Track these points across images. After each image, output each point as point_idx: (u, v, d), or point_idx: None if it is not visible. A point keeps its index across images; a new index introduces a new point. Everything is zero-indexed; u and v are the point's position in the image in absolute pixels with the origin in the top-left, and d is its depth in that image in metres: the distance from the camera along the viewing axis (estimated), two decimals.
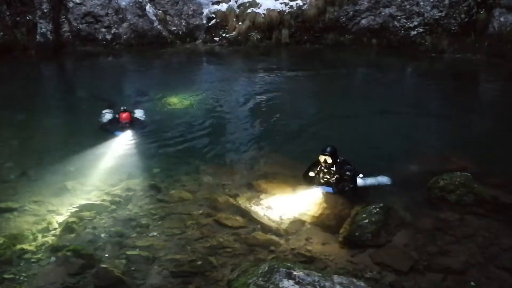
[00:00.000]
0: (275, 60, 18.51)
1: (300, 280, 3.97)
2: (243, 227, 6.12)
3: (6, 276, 4.92)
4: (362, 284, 4.28)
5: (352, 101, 12.59)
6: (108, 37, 19.71)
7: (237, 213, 6.45)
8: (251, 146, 9.22)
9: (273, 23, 20.21)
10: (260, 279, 4.10)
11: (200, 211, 6.49)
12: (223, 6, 20.82)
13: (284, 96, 13.11)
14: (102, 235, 5.82)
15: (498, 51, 16.88)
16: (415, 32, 19.16)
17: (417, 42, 19.03)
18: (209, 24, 20.78)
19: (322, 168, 7.02)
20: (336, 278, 4.17)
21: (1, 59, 16.80)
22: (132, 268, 5.13)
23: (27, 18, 18.33)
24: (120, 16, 19.62)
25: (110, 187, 7.18)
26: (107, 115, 9.68)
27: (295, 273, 4.04)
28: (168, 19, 20.45)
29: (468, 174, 6.91)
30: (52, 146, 9.00)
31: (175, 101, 12.21)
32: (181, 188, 7.22)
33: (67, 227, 5.90)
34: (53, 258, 5.27)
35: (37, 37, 18.30)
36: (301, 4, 20.25)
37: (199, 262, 5.25)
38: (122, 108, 9.57)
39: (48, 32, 18.42)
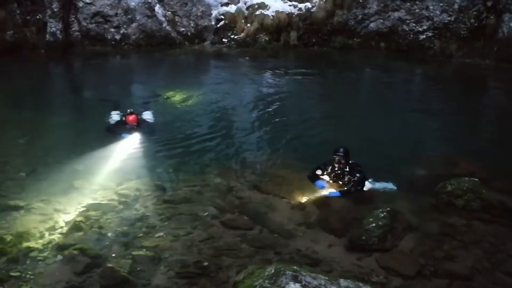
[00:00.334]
0: (283, 62, 18.48)
1: (307, 283, 3.95)
2: (249, 229, 6.12)
3: (12, 273, 4.93)
4: None
5: (360, 104, 12.56)
6: (117, 37, 19.78)
7: (243, 215, 6.45)
8: (258, 148, 9.22)
9: (282, 25, 20.20)
10: (266, 281, 4.08)
11: (207, 212, 6.49)
12: (232, 8, 20.83)
13: (291, 98, 13.09)
14: (109, 234, 5.83)
15: (508, 56, 16.77)
16: (424, 36, 19.09)
17: (425, 46, 18.96)
18: (218, 26, 20.80)
19: (335, 169, 7.05)
20: (342, 282, 4.13)
21: (11, 58, 16.90)
22: (138, 268, 5.13)
23: (37, 17, 18.44)
24: (129, 16, 19.68)
25: (117, 187, 7.20)
26: (115, 117, 9.61)
27: (301, 276, 4.01)
28: (177, 20, 20.49)
29: (476, 179, 6.88)
30: (60, 145, 9.04)
31: (183, 102, 12.23)
32: (187, 189, 7.22)
33: (74, 226, 5.91)
34: (59, 257, 5.28)
35: (47, 36, 18.38)
36: (310, 6, 20.23)
37: (205, 263, 5.25)
38: (128, 110, 9.46)
39: (58, 32, 18.51)
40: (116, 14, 19.55)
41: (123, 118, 9.43)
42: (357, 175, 6.95)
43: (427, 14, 18.99)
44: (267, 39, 20.33)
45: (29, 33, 18.28)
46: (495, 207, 6.49)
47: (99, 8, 19.32)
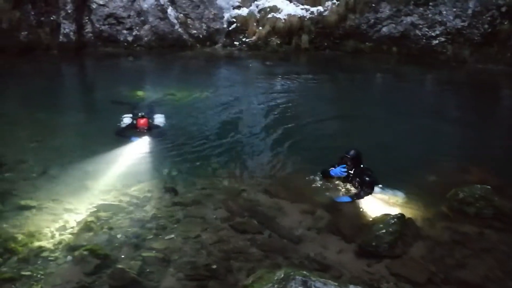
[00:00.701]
0: (294, 66, 18.50)
1: None
2: (259, 232, 6.10)
3: (23, 273, 4.97)
4: None
5: (371, 109, 12.50)
6: (129, 38, 19.94)
7: (253, 218, 6.43)
8: (269, 151, 9.20)
9: (293, 29, 20.23)
10: (276, 286, 4.07)
11: (216, 215, 6.49)
12: (244, 11, 20.91)
13: (302, 101, 13.08)
14: (119, 235, 5.85)
15: None
16: (437, 41, 19.01)
17: (438, 51, 18.87)
18: (230, 29, 20.88)
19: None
20: None
21: (25, 58, 17.11)
22: (148, 270, 5.14)
23: (51, 18, 18.66)
24: (142, 18, 19.83)
25: (127, 188, 7.22)
26: (126, 120, 9.54)
27: (311, 281, 4.00)
28: (189, 22, 20.60)
29: (488, 187, 6.80)
30: (72, 146, 9.10)
31: (193, 104, 12.27)
32: (197, 191, 7.23)
33: (85, 227, 5.94)
34: (69, 257, 5.30)
35: (60, 37, 18.62)
36: (322, 10, 20.24)
37: (214, 266, 5.25)
38: (140, 114, 9.43)
39: (71, 33, 18.72)
40: (129, 16, 19.72)
41: (134, 122, 9.36)
42: (366, 178, 6.93)
43: (440, 19, 18.91)
44: (279, 42, 20.37)
45: (43, 34, 18.50)
46: (507, 215, 6.41)
47: (112, 9, 19.50)
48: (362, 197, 6.87)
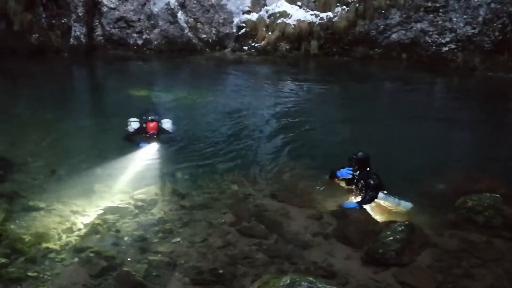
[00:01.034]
0: (303, 71, 18.50)
1: None
2: (265, 237, 6.08)
3: (30, 274, 4.99)
4: None
5: (380, 115, 12.47)
6: (139, 42, 20.06)
7: (260, 223, 6.41)
8: (276, 156, 9.19)
9: (303, 34, 20.25)
10: None
11: (223, 220, 6.48)
12: (254, 16, 20.97)
13: (310, 106, 13.08)
14: (125, 238, 5.86)
15: None
16: (447, 48, 18.94)
17: (448, 59, 18.79)
18: (239, 33, 20.94)
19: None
20: None
21: (36, 60, 17.25)
22: (153, 273, 5.14)
23: (62, 21, 18.84)
24: (152, 22, 19.95)
25: (134, 191, 7.23)
26: (133, 124, 9.24)
27: None
28: (198, 26, 20.70)
29: (498, 195, 6.74)
30: (81, 148, 9.15)
31: (201, 108, 12.30)
32: (204, 195, 7.22)
33: (92, 229, 5.96)
34: (76, 259, 5.32)
35: (71, 40, 18.77)
36: (331, 16, 20.25)
37: (220, 271, 5.23)
38: (150, 117, 9.10)
39: (82, 36, 18.87)
40: (139, 20, 19.84)
41: (144, 125, 9.05)
42: (371, 181, 6.91)
43: (450, 26, 18.85)
44: (288, 47, 20.39)
45: (53, 37, 18.67)
46: None
47: (123, 13, 19.64)
48: (368, 201, 6.83)
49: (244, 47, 20.88)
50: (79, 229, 6.04)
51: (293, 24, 20.24)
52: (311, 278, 4.30)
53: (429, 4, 19.14)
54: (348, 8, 20.04)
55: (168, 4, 19.89)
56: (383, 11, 19.69)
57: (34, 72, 16.13)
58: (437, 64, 18.65)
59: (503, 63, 17.63)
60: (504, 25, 17.88)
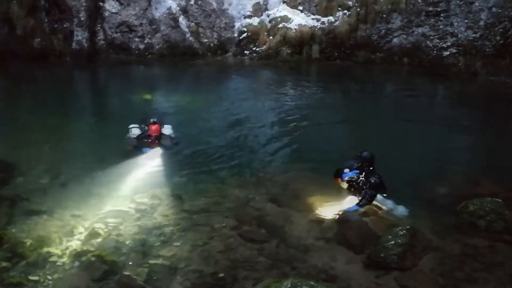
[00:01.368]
0: (304, 75, 18.52)
1: None
2: (266, 241, 6.08)
3: (31, 277, 4.99)
4: None
5: (381, 120, 12.46)
6: (141, 46, 20.13)
7: (261, 227, 6.42)
8: (277, 160, 9.20)
9: (304, 39, 20.27)
10: None
11: (224, 224, 6.48)
12: (255, 20, 21.01)
13: (311, 111, 13.06)
14: (126, 242, 5.86)
15: None
16: (448, 53, 18.92)
17: (449, 63, 18.76)
18: (240, 38, 20.98)
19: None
20: None
21: (38, 64, 17.31)
22: (154, 278, 5.14)
23: (65, 25, 18.93)
24: (154, 26, 20.02)
25: (136, 195, 7.24)
26: (134, 130, 9.10)
27: None
28: (200, 31, 20.75)
29: (499, 200, 6.72)
30: (83, 152, 9.17)
31: (202, 112, 12.31)
32: (205, 199, 7.23)
33: (93, 233, 5.97)
34: (77, 263, 5.32)
35: (73, 44, 18.84)
36: (333, 20, 20.28)
37: (221, 275, 5.23)
38: (152, 120, 9.06)
39: (84, 40, 18.94)
40: (141, 24, 19.91)
41: (146, 128, 9.01)
42: (371, 180, 6.90)
43: (451, 31, 18.84)
44: (289, 52, 20.41)
45: (56, 41, 18.74)
46: None
47: (125, 18, 19.71)
48: (367, 200, 6.81)
49: (246, 52, 20.91)
50: (80, 233, 6.05)
51: (295, 29, 20.27)
52: (312, 282, 4.31)
53: (431, 8, 19.14)
54: (349, 12, 20.07)
55: (169, 9, 19.97)
56: (384, 16, 19.70)
57: (36, 76, 16.20)
58: (438, 68, 18.63)
59: (505, 67, 17.58)
60: (506, 30, 17.86)
